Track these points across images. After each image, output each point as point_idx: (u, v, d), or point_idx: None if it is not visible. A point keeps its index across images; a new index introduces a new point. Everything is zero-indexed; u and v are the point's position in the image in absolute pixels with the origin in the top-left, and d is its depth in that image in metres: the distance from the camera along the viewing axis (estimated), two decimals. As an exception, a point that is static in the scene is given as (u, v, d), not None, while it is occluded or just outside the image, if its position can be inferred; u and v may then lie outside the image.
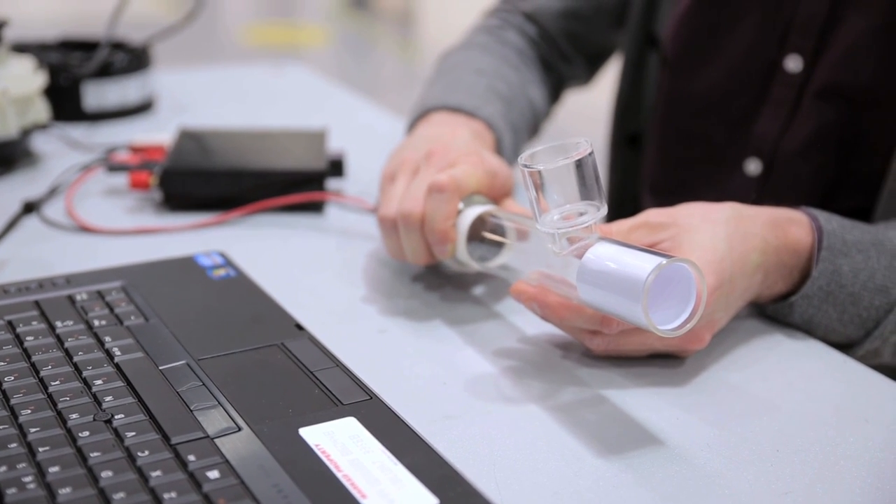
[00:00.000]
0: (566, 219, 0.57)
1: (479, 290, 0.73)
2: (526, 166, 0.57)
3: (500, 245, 0.66)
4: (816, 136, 0.84)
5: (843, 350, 0.67)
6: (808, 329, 0.67)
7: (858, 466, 0.53)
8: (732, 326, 0.67)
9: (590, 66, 1.03)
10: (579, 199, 0.56)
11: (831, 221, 0.67)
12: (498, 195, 0.71)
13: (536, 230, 0.62)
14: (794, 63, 0.84)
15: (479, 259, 0.68)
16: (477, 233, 0.67)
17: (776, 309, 0.67)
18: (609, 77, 1.08)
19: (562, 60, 1.00)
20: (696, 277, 0.53)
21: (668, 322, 0.54)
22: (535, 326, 0.67)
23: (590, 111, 1.96)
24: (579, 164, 0.56)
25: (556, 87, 1.01)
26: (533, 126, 0.94)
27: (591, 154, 0.56)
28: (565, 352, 0.64)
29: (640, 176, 1.00)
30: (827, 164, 0.84)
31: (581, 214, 0.57)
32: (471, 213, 0.67)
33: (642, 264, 0.52)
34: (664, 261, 0.52)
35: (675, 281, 0.54)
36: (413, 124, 0.85)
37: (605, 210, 0.57)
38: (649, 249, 0.54)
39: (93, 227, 0.82)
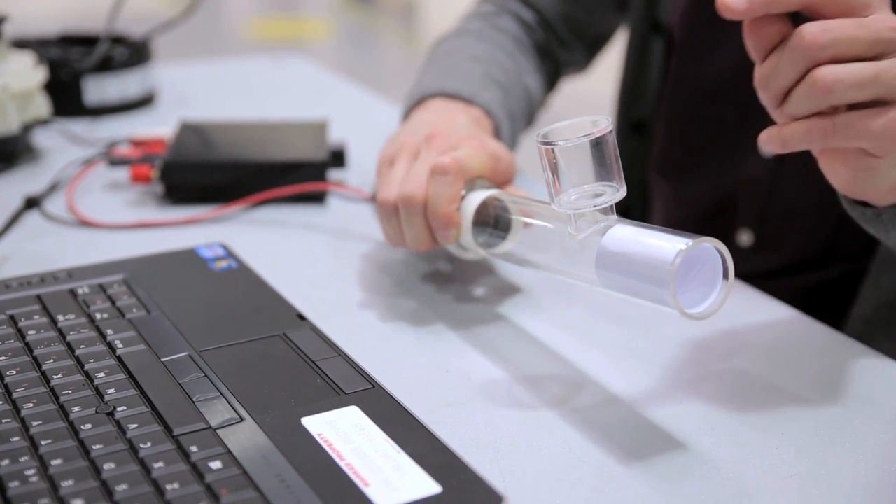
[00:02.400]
0: (583, 199, 0.55)
1: (481, 278, 0.73)
2: (543, 143, 0.54)
3: (505, 230, 0.65)
4: None
5: None
6: None
7: (863, 448, 0.53)
8: (734, 311, 0.66)
9: (588, 52, 1.02)
10: (597, 180, 0.54)
11: None
12: (500, 181, 0.69)
13: (543, 216, 0.60)
14: None
15: (482, 245, 0.66)
16: (481, 218, 0.66)
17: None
18: (612, 64, 1.08)
19: (560, 46, 0.99)
20: (723, 255, 0.51)
21: (692, 305, 0.51)
22: (534, 316, 0.67)
23: (594, 98, 1.96)
24: (598, 142, 0.53)
25: (552, 74, 1.00)
26: (529, 115, 0.93)
27: (611, 132, 0.53)
28: (566, 342, 0.64)
29: (647, 161, 0.99)
30: None
31: (598, 195, 0.54)
32: (476, 197, 0.66)
33: (667, 245, 0.50)
34: (690, 241, 0.50)
35: (699, 262, 0.51)
36: (409, 111, 0.84)
37: (623, 191, 0.54)
38: (670, 230, 0.52)
39: (94, 221, 0.81)
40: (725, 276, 0.51)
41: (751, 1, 0.54)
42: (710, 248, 0.51)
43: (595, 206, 0.54)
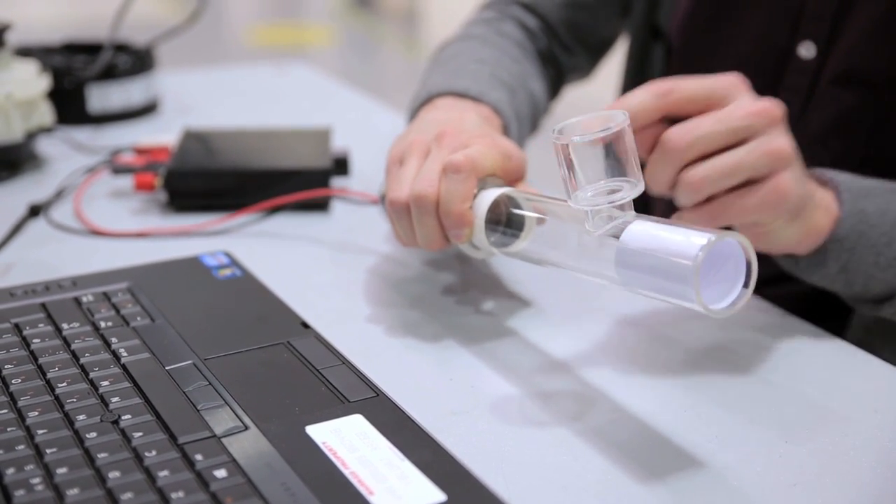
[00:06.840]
0: (600, 196, 0.54)
1: (487, 289, 0.73)
2: (559, 139, 0.54)
3: (518, 229, 0.64)
4: (835, 123, 0.82)
5: (888, 302, 0.66)
6: (846, 281, 0.66)
7: (867, 456, 0.53)
8: (734, 318, 0.67)
9: (591, 58, 1.02)
10: (614, 176, 0.53)
11: (841, 174, 0.67)
12: (512, 178, 0.68)
13: (557, 213, 0.60)
14: (807, 50, 0.83)
15: (495, 244, 0.65)
16: (494, 216, 0.65)
17: (810, 262, 0.64)
18: (613, 70, 1.08)
19: (563, 52, 0.99)
20: (746, 250, 0.50)
21: (715, 302, 0.50)
22: (539, 323, 0.67)
23: (595, 105, 1.96)
24: (617, 137, 0.52)
25: (556, 80, 1.00)
26: (534, 120, 0.92)
27: (628, 126, 0.53)
28: (573, 352, 0.64)
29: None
30: (848, 150, 0.83)
31: (615, 192, 0.54)
32: (489, 195, 0.64)
33: (690, 240, 0.49)
34: (713, 236, 0.49)
35: (721, 258, 0.51)
36: (416, 110, 0.83)
37: (642, 186, 0.54)
38: (692, 226, 0.51)
39: (98, 229, 0.82)
40: (748, 272, 0.51)
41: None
42: (734, 244, 0.50)
43: (612, 202, 0.54)
